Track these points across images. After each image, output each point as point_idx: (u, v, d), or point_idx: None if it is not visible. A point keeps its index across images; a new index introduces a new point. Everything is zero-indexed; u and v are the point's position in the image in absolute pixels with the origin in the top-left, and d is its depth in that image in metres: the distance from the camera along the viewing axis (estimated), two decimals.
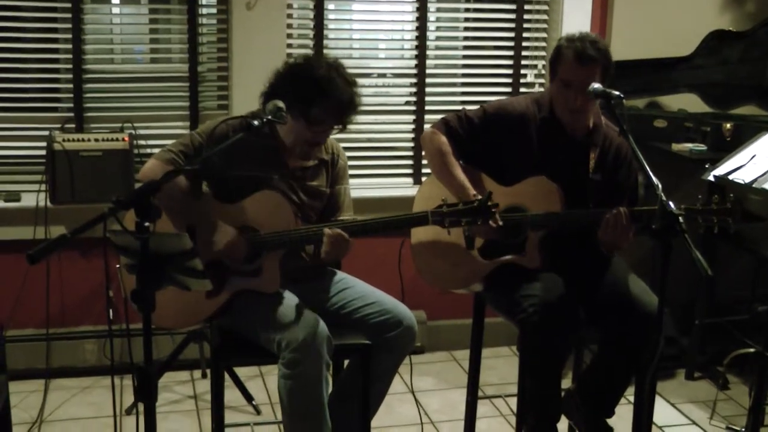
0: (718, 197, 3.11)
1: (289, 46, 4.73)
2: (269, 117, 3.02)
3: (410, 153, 5.06)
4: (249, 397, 4.34)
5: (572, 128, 3.39)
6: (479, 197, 3.12)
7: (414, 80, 5.00)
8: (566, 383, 3.54)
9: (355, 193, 3.56)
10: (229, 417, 3.94)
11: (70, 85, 4.56)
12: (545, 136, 3.40)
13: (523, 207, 3.37)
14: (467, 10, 5.13)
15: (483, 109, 3.48)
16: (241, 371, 4.49)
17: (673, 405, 4.45)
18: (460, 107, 4.75)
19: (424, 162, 4.82)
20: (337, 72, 3.20)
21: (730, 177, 3.99)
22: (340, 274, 3.48)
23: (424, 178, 4.42)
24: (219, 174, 3.24)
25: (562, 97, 3.32)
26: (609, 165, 3.42)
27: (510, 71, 5.11)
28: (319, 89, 3.14)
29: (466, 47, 5.15)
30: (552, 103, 3.40)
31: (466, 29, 5.16)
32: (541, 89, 5.00)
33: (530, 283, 3.28)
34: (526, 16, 5.06)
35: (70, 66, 4.55)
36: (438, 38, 5.15)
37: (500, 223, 3.21)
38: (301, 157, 3.33)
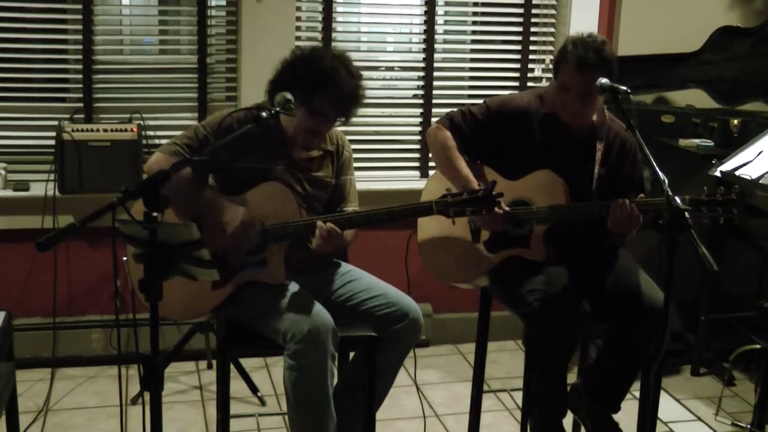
0: (723, 188, 3.12)
1: (298, 38, 4.73)
2: (277, 108, 3.02)
3: (417, 146, 5.06)
4: (254, 389, 4.35)
5: (574, 125, 3.40)
6: (484, 187, 3.11)
7: (422, 74, 5.01)
8: (572, 378, 3.54)
9: (361, 186, 3.57)
10: (234, 408, 3.95)
11: (80, 76, 4.58)
12: (548, 131, 3.41)
13: (527, 200, 3.38)
14: (475, 3, 5.14)
15: (486, 105, 3.49)
16: (247, 362, 4.51)
17: (678, 401, 4.45)
18: (467, 101, 4.77)
19: (431, 155, 4.83)
20: (342, 64, 3.20)
21: (737, 173, 3.99)
22: (347, 266, 3.49)
23: (431, 172, 4.43)
24: (225, 166, 3.25)
25: (562, 99, 3.34)
26: (614, 159, 3.43)
27: (518, 65, 5.11)
28: (322, 80, 3.14)
29: (474, 41, 5.15)
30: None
31: (474, 23, 5.17)
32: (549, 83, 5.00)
33: (535, 276, 3.28)
34: (534, 11, 5.06)
35: (79, 56, 4.56)
36: (446, 32, 5.16)
37: (506, 208, 3.22)
38: (304, 147, 3.33)
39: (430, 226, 3.54)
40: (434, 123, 3.54)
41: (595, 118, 3.41)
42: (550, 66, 5.01)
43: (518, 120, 3.43)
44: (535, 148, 3.41)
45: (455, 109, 3.53)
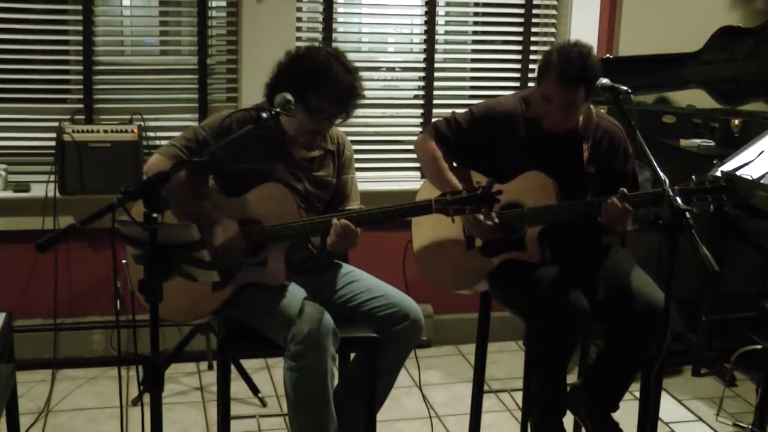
0: (712, 176, 3.10)
1: (299, 39, 4.73)
2: (278, 109, 3.02)
3: None
4: (255, 390, 4.35)
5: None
6: (482, 185, 3.10)
7: (423, 74, 5.00)
8: (572, 378, 3.54)
9: (362, 186, 3.57)
10: (235, 409, 3.95)
11: (80, 77, 4.58)
12: (534, 133, 3.41)
13: (519, 203, 3.37)
14: (476, 3, 5.13)
15: (471, 112, 3.50)
16: (248, 363, 4.51)
17: (679, 401, 4.45)
18: (468, 101, 4.77)
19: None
20: (336, 60, 3.19)
21: (738, 173, 3.99)
22: (347, 267, 3.48)
23: None
24: (224, 167, 3.25)
25: (545, 110, 3.33)
26: (603, 155, 3.43)
27: (518, 66, 5.11)
28: (316, 77, 3.14)
29: (474, 41, 5.15)
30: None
31: (475, 23, 5.17)
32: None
33: (533, 277, 3.28)
34: (534, 11, 5.06)
35: (80, 57, 4.56)
36: (447, 32, 5.16)
37: (496, 220, 3.22)
38: (305, 147, 3.33)
39: (425, 235, 3.54)
40: (421, 133, 3.56)
41: (580, 117, 3.40)
42: None
43: (504, 124, 3.43)
44: (523, 150, 3.40)
45: (441, 118, 3.55)
